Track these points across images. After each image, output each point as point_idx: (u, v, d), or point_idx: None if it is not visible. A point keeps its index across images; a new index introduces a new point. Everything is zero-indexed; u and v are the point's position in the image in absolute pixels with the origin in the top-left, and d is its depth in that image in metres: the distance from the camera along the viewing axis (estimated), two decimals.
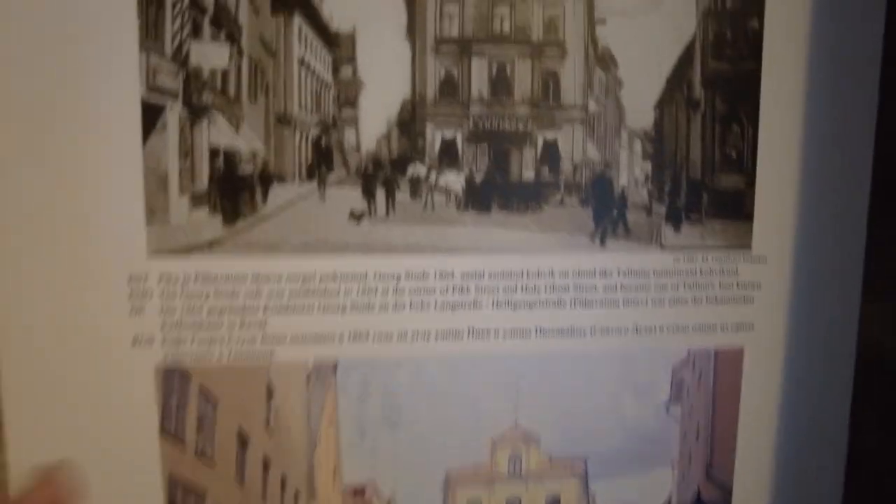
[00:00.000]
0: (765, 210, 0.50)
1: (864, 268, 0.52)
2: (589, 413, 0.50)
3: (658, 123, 0.48)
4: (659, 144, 0.49)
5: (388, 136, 0.46)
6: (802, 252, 0.51)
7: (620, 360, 0.50)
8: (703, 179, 0.49)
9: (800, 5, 0.49)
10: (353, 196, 0.46)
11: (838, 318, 0.52)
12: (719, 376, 0.51)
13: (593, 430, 0.50)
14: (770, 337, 0.51)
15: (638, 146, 0.49)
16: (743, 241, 0.50)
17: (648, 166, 0.49)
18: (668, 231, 0.49)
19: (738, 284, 0.50)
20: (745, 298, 0.51)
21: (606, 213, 0.48)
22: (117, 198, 0.43)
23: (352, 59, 0.45)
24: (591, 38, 0.48)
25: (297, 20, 0.46)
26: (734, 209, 0.50)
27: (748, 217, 0.50)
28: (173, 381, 0.45)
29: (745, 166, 0.49)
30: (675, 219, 0.49)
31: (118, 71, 0.42)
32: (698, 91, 0.49)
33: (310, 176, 0.46)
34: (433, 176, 0.48)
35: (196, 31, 0.43)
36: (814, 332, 0.52)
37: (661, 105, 0.48)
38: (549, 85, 0.49)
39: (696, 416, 0.51)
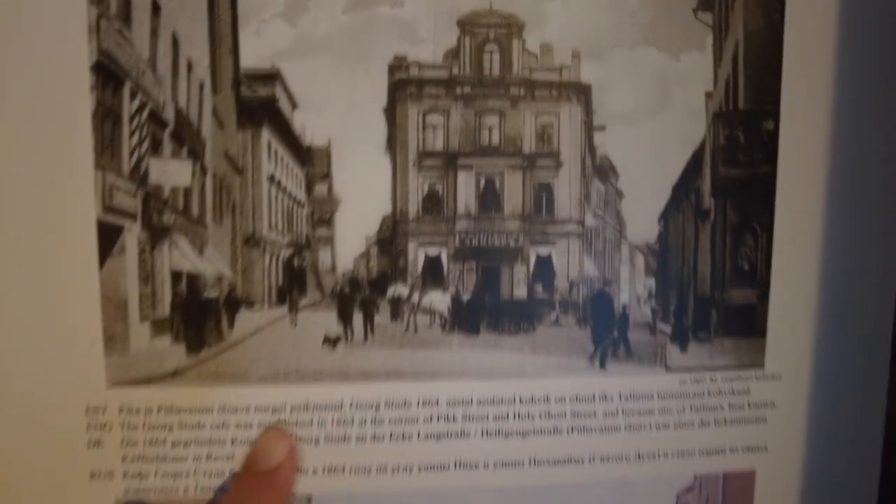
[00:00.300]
0: (779, 325, 0.47)
1: (889, 383, 0.47)
2: None
3: (663, 236, 0.44)
4: (664, 258, 0.45)
5: (366, 256, 0.43)
6: (820, 367, 0.47)
7: (620, 488, 0.46)
8: (712, 295, 0.45)
9: (818, 104, 0.44)
10: (327, 320, 0.43)
11: (859, 438, 0.48)
12: (728, 501, 0.47)
13: None
14: (785, 458, 0.48)
15: (640, 261, 0.45)
16: (755, 359, 0.46)
17: (652, 282, 0.45)
18: (673, 351, 0.45)
19: (749, 404, 0.47)
20: (756, 418, 0.47)
21: (606, 333, 0.44)
22: (73, 325, 0.41)
23: (327, 175, 0.41)
24: (589, 147, 0.44)
25: (266, 134, 0.43)
26: (746, 325, 0.46)
27: (761, 333, 0.46)
28: None
29: (759, 279, 0.45)
30: (681, 338, 0.45)
31: (72, 191, 0.40)
32: (708, 200, 0.45)
33: (280, 300, 0.43)
34: (416, 296, 0.44)
35: (155, 147, 0.40)
36: (833, 454, 0.48)
37: (667, 216, 0.44)
38: (542, 198, 0.46)
39: None
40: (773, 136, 0.46)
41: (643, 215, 0.45)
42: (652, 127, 0.44)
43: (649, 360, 0.46)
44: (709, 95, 0.45)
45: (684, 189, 0.45)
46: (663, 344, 0.47)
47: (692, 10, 0.44)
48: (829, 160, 0.47)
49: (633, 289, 0.46)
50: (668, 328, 0.47)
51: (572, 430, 0.45)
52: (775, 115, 0.46)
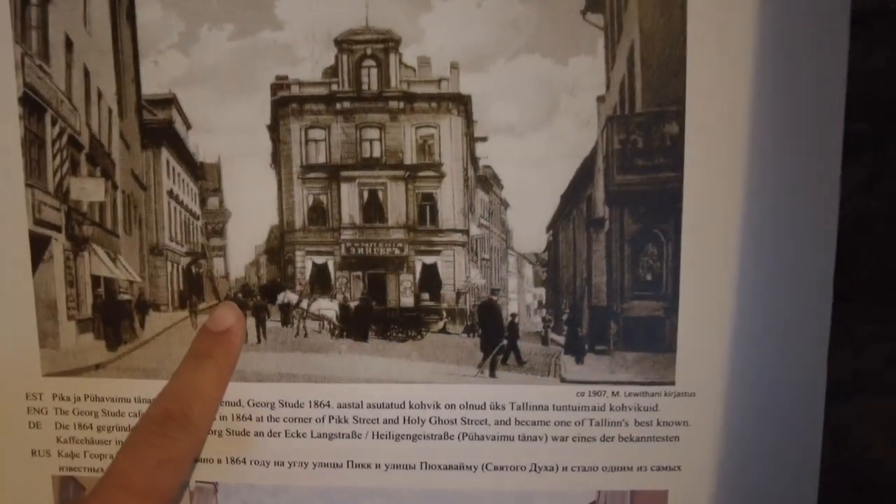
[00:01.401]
0: (691, 340, 0.46)
1: (827, 404, 0.44)
2: None
3: (552, 246, 0.43)
4: (554, 268, 0.44)
5: (256, 264, 0.45)
6: (739, 385, 0.46)
7: (516, 500, 0.45)
8: (609, 306, 0.43)
9: (729, 102, 0.42)
10: None
11: (786, 459, 0.46)
12: None
13: None
14: (700, 479, 0.47)
15: (529, 270, 0.44)
16: (664, 375, 0.45)
17: (542, 292, 0.44)
18: (568, 362, 0.45)
19: (659, 422, 0.45)
20: (668, 437, 0.45)
21: (495, 341, 0.45)
22: (12, 322, 0.50)
23: (218, 190, 0.44)
24: (471, 158, 0.44)
25: (165, 154, 0.47)
26: (651, 339, 0.46)
27: (670, 348, 0.44)
28: (69, 489, 0.49)
29: (665, 291, 0.43)
30: (575, 349, 0.45)
31: (7, 206, 0.47)
32: (602, 208, 0.43)
33: (182, 304, 0.47)
34: (305, 302, 0.46)
35: (74, 168, 0.46)
36: (753, 475, 0.47)
37: (556, 226, 0.42)
38: (426, 208, 0.46)
39: None
40: (678, 140, 0.43)
41: (530, 225, 0.45)
42: (537, 136, 0.44)
43: (542, 370, 0.46)
44: (601, 99, 0.43)
45: (574, 198, 0.44)
46: (556, 354, 0.46)
47: (580, 11, 0.43)
48: (742, 163, 0.44)
49: (522, 298, 0.46)
50: (561, 339, 0.45)
51: (463, 436, 0.46)
52: (679, 118, 0.43)
